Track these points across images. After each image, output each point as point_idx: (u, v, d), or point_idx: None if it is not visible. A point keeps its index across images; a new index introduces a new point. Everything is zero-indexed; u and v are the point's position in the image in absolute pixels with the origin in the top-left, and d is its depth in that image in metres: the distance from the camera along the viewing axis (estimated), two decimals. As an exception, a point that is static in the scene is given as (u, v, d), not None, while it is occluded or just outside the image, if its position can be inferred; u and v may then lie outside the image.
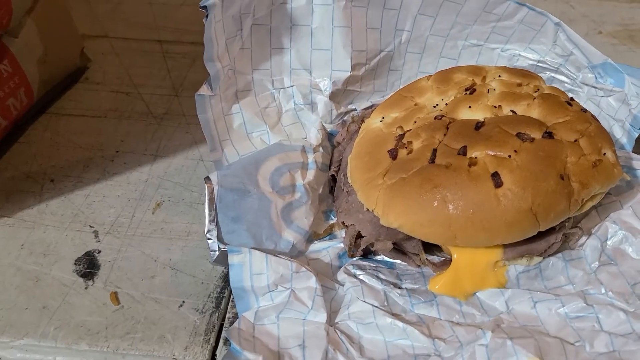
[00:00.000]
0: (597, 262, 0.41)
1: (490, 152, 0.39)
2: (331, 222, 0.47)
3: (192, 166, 0.53)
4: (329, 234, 0.46)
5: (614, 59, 0.51)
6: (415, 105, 0.46)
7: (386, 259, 0.45)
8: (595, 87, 0.51)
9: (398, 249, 0.43)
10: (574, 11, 0.75)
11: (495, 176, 0.37)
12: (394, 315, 0.39)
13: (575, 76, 0.53)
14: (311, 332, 0.38)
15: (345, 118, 0.53)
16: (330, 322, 0.40)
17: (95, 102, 0.60)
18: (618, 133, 0.50)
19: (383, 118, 0.47)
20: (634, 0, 0.79)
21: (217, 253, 0.41)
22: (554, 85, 0.54)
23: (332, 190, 0.49)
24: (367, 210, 0.42)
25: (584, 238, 0.42)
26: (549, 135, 0.39)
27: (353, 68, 0.52)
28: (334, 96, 0.52)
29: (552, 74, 0.54)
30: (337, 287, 0.42)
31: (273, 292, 0.40)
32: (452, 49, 0.55)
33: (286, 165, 0.46)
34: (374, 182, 0.42)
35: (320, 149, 0.49)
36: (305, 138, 0.50)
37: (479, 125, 0.41)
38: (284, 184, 0.45)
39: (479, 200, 0.37)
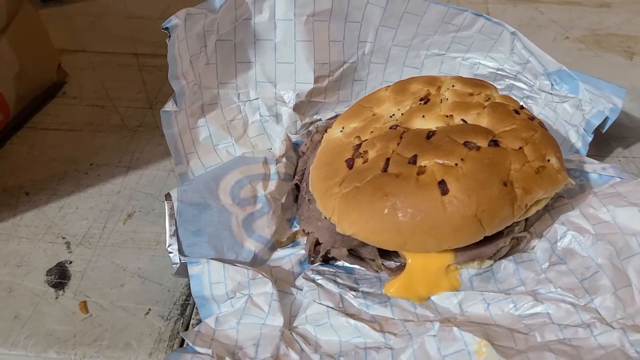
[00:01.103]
0: (547, 263, 0.42)
1: (439, 161, 0.40)
2: (294, 229, 0.48)
3: (163, 177, 0.55)
4: (292, 241, 0.48)
5: (580, 64, 0.52)
6: (374, 115, 0.48)
7: (346, 264, 0.46)
8: (551, 94, 0.53)
9: (355, 255, 0.45)
10: (543, 17, 0.77)
11: (442, 184, 0.39)
12: (348, 315, 0.41)
13: (532, 83, 0.54)
14: (267, 333, 0.40)
15: (310, 128, 0.54)
16: (289, 325, 0.41)
17: (72, 116, 0.62)
18: (573, 137, 0.52)
19: (343, 128, 0.48)
20: (603, 5, 0.81)
21: (178, 265, 0.42)
22: (513, 92, 0.56)
23: (296, 199, 0.50)
24: (325, 218, 0.44)
25: (535, 241, 0.44)
26: (494, 143, 0.41)
27: (316, 80, 0.53)
28: (298, 108, 0.53)
29: (512, 81, 0.56)
30: (296, 292, 0.43)
31: (232, 299, 0.42)
32: (415, 58, 0.57)
33: (247, 178, 0.48)
34: (331, 191, 0.43)
35: (284, 159, 0.51)
36: (271, 149, 0.51)
37: (430, 134, 0.42)
38: (245, 196, 0.47)
39: (426, 207, 0.39)
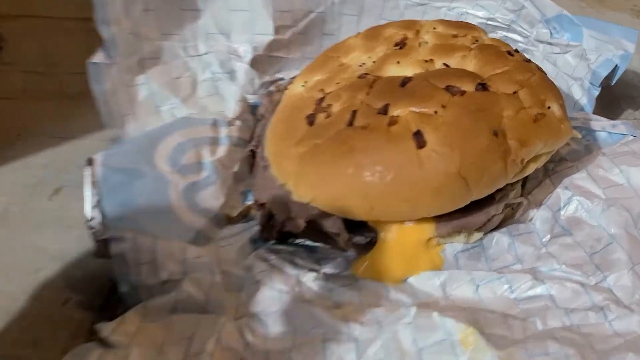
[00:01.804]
0: (548, 235, 0.35)
1: (414, 109, 0.33)
2: (248, 203, 0.41)
3: (102, 148, 0.47)
4: (245, 216, 0.40)
5: (582, 24, 0.45)
6: (341, 65, 0.40)
7: (308, 242, 0.39)
8: (550, 44, 0.45)
9: (317, 230, 0.37)
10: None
11: (418, 135, 0.31)
12: (305, 301, 0.33)
13: (528, 33, 0.47)
14: (205, 324, 0.32)
15: (270, 88, 0.47)
16: (234, 314, 0.34)
17: (4, 83, 0.54)
18: (577, 93, 0.44)
19: (306, 82, 0.41)
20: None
21: (99, 243, 0.35)
22: (507, 45, 0.48)
23: (252, 168, 0.43)
24: (280, 184, 0.36)
25: (534, 209, 0.37)
26: (482, 87, 0.33)
27: (277, 31, 0.46)
28: (255, 63, 0.46)
29: (504, 33, 0.48)
30: (245, 274, 0.36)
31: (166, 284, 0.34)
32: (394, 9, 0.49)
33: (191, 141, 0.40)
34: (287, 152, 0.36)
35: (238, 122, 0.43)
36: (224, 111, 0.44)
37: (405, 81, 0.35)
38: (188, 162, 0.39)
39: (399, 164, 0.31)
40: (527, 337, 0.29)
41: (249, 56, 0.45)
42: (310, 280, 0.35)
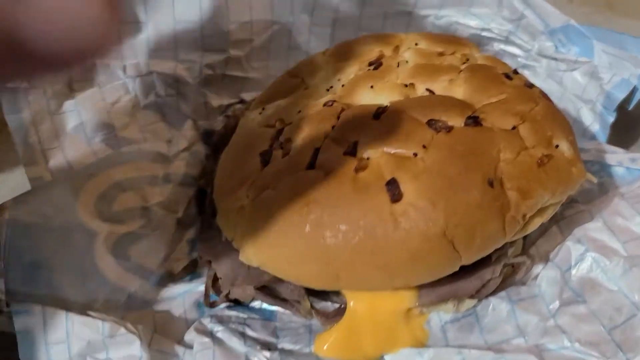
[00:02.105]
0: (557, 301, 0.28)
1: (389, 150, 0.26)
2: (194, 255, 0.34)
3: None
4: (191, 273, 0.34)
5: (590, 33, 0.38)
6: (305, 89, 0.34)
7: (265, 306, 0.32)
8: (555, 59, 0.39)
9: (273, 295, 0.30)
10: (539, -22, 0.63)
11: (392, 185, 0.25)
12: (255, 393, 0.26)
13: (529, 46, 0.40)
14: None
15: (228, 113, 0.40)
16: None
17: None
18: (588, 119, 0.38)
19: (263, 109, 0.34)
20: (611, -36, 0.67)
21: (2, 317, 0.28)
22: (505, 60, 0.42)
23: (201, 211, 0.36)
24: (227, 239, 0.29)
25: (539, 267, 0.30)
26: (473, 121, 0.27)
27: (233, 46, 0.39)
28: (208, 84, 0.39)
29: (502, 46, 0.42)
30: (183, 352, 0.29)
31: None
32: (373, 19, 0.42)
33: (127, 181, 0.33)
34: (235, 200, 0.29)
35: (186, 154, 0.36)
36: (170, 141, 0.37)
37: (379, 111, 0.28)
38: (119, 208, 0.32)
39: (368, 222, 0.25)
40: None
41: (199, 76, 0.38)
42: (262, 361, 0.28)
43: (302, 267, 0.26)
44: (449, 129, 0.26)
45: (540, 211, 0.26)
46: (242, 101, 0.41)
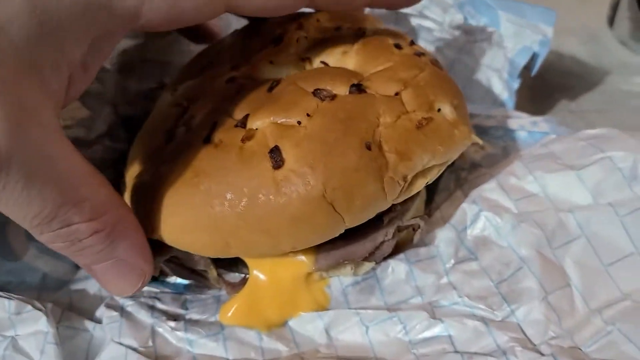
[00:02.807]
0: (452, 261, 0.30)
1: (276, 119, 0.27)
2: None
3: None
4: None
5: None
6: (213, 68, 0.34)
7: (179, 280, 0.33)
8: (465, 32, 0.40)
9: (181, 265, 0.31)
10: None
11: (275, 153, 0.26)
12: (158, 359, 0.27)
13: (441, 19, 0.41)
14: None
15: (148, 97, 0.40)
16: None
17: None
18: (497, 87, 0.39)
19: (175, 90, 0.35)
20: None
21: None
22: (422, 35, 0.43)
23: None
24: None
25: (439, 229, 0.31)
26: (357, 88, 0.27)
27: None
28: (127, 69, 0.40)
29: (418, 21, 0.43)
30: (93, 327, 0.30)
31: None
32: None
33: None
34: (139, 178, 0.30)
35: (106, 139, 0.37)
36: (90, 127, 0.38)
37: (273, 85, 0.29)
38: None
39: (251, 189, 0.25)
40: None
41: (118, 61, 0.39)
42: (167, 331, 0.29)
43: (194, 236, 0.27)
44: (333, 97, 0.27)
45: (424, 172, 0.27)
46: (164, 86, 0.41)
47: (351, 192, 0.25)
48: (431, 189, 0.34)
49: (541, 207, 0.29)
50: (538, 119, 0.35)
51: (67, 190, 0.22)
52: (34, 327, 0.28)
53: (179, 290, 0.32)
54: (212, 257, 0.29)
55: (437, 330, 0.27)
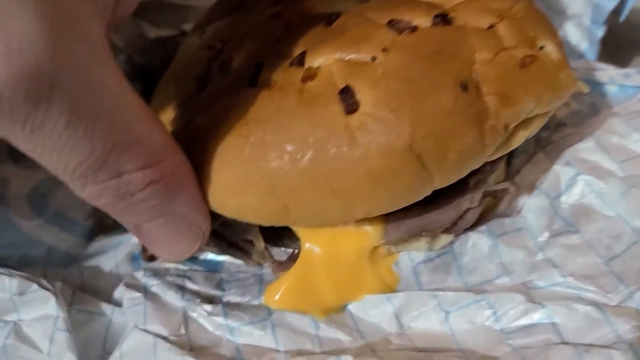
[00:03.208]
0: (546, 234, 0.25)
1: (342, 56, 0.22)
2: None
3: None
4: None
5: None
6: (249, 4, 0.29)
7: (212, 256, 0.28)
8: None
9: (221, 238, 0.26)
10: None
11: (346, 94, 0.20)
12: (193, 351, 0.22)
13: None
14: None
15: (167, 45, 0.35)
16: None
17: None
18: (574, 36, 0.34)
19: (203, 32, 0.29)
20: None
21: None
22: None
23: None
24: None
25: (523, 197, 0.26)
26: (442, 19, 0.22)
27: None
28: (143, 14, 0.34)
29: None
30: (112, 310, 0.25)
31: None
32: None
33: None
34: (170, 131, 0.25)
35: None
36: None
37: (332, 18, 0.24)
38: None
39: (319, 139, 0.20)
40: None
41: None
42: (202, 316, 0.24)
43: (244, 199, 0.22)
44: (413, 29, 0.22)
45: (525, 123, 0.22)
46: (183, 33, 0.36)
47: (444, 143, 0.20)
48: (509, 154, 0.29)
49: (655, 170, 0.24)
50: (631, 70, 0.30)
51: (120, 129, 0.18)
52: (41, 311, 0.24)
53: (211, 267, 0.27)
54: (263, 224, 0.23)
55: (536, 316, 0.22)
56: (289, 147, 0.21)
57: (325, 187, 0.21)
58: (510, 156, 0.29)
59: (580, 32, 0.33)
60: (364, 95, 0.20)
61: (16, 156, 0.27)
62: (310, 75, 0.22)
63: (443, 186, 0.21)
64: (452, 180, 0.22)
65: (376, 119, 0.20)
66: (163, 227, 0.21)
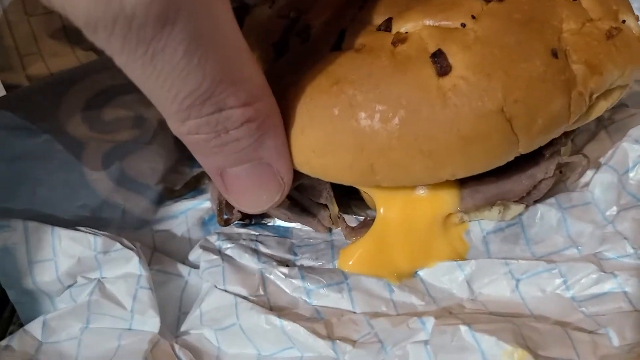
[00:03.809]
0: (614, 208, 0.25)
1: (431, 22, 0.22)
2: (197, 171, 0.30)
3: None
4: (194, 189, 0.30)
5: None
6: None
7: (280, 223, 0.28)
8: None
9: (295, 204, 0.27)
10: None
11: (439, 57, 0.21)
12: (273, 311, 0.23)
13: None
14: (129, 347, 0.23)
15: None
16: (175, 331, 0.24)
17: None
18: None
19: (273, 2, 0.30)
20: None
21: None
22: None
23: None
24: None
25: (589, 173, 0.26)
26: (529, -11, 0.23)
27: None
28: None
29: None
30: (188, 272, 0.25)
31: (72, 288, 0.24)
32: None
33: (117, 88, 0.29)
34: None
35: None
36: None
37: (416, -15, 0.24)
38: (110, 117, 0.29)
39: (410, 99, 0.21)
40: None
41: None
42: (280, 278, 0.24)
43: (330, 157, 0.22)
44: (501, -1, 0.22)
45: (606, 94, 0.23)
46: (244, 5, 0.36)
47: (535, 107, 0.21)
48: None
49: None
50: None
51: (229, 64, 0.18)
52: (124, 269, 0.24)
53: (281, 233, 0.28)
54: (346, 183, 0.24)
55: (607, 286, 0.23)
56: (380, 107, 0.21)
57: (414, 148, 0.21)
58: (573, 133, 0.30)
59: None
60: (456, 58, 0.21)
61: (92, 121, 0.28)
62: (401, 39, 0.22)
63: (526, 152, 0.22)
64: (535, 147, 0.22)
65: (469, 81, 0.20)
66: (248, 173, 0.21)
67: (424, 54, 0.21)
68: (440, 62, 0.21)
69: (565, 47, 0.21)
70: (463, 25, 0.22)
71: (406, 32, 0.22)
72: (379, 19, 0.23)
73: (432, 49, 0.21)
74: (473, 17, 0.22)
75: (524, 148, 0.22)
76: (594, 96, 0.22)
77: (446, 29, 0.22)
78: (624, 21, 0.23)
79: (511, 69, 0.20)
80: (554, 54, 0.21)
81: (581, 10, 0.22)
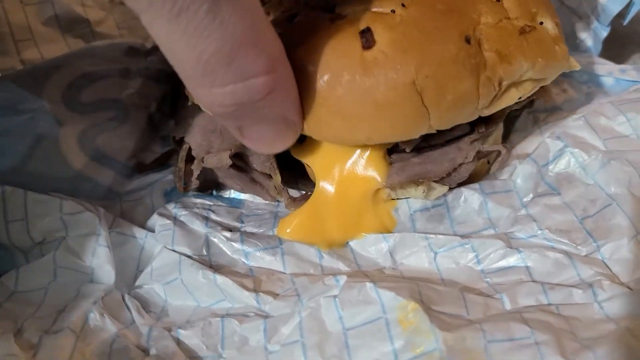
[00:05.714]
0: (531, 195, 0.27)
1: (367, 8, 0.25)
2: (167, 149, 0.33)
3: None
4: (162, 165, 0.33)
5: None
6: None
7: (234, 195, 0.31)
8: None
9: (243, 173, 0.30)
10: None
11: (366, 33, 0.24)
12: (212, 268, 0.26)
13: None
14: (85, 295, 0.26)
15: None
16: (131, 286, 0.27)
17: None
18: (582, 33, 0.36)
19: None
20: None
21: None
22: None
23: (175, 106, 0.35)
24: (200, 110, 0.29)
25: (515, 163, 0.29)
26: (455, -15, 0.25)
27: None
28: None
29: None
30: (145, 235, 0.28)
31: (42, 245, 0.28)
32: None
33: (97, 73, 0.32)
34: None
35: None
36: (148, 37, 0.36)
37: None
38: (88, 99, 0.31)
39: (337, 66, 0.24)
40: (488, 318, 0.22)
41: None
42: (222, 241, 0.27)
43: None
44: (429, -9, 0.25)
45: (518, 85, 0.25)
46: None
47: (444, 84, 0.23)
48: (507, 129, 0.32)
49: (633, 147, 0.27)
50: (627, 67, 0.33)
51: (250, 27, 0.19)
52: (86, 229, 0.27)
53: (234, 204, 0.30)
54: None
55: (512, 260, 0.25)
56: (311, 68, 0.24)
57: (334, 108, 0.24)
58: (508, 132, 0.32)
59: (587, 30, 0.35)
60: (381, 36, 0.23)
61: (71, 102, 0.31)
62: (338, 16, 0.25)
63: (439, 128, 0.25)
64: (447, 123, 0.25)
65: (388, 55, 0.23)
66: (268, 128, 0.23)
67: (355, 29, 0.24)
68: (366, 38, 0.23)
69: (479, 36, 0.24)
70: (393, 11, 0.24)
71: (345, 15, 0.25)
72: (324, 5, 0.26)
73: (362, 27, 0.24)
74: (403, 5, 0.24)
75: (435, 122, 0.24)
76: (504, 83, 0.24)
77: (379, 13, 0.24)
78: (541, 23, 0.26)
79: (426, 48, 0.23)
80: (467, 40, 0.23)
81: (501, 9, 0.25)
